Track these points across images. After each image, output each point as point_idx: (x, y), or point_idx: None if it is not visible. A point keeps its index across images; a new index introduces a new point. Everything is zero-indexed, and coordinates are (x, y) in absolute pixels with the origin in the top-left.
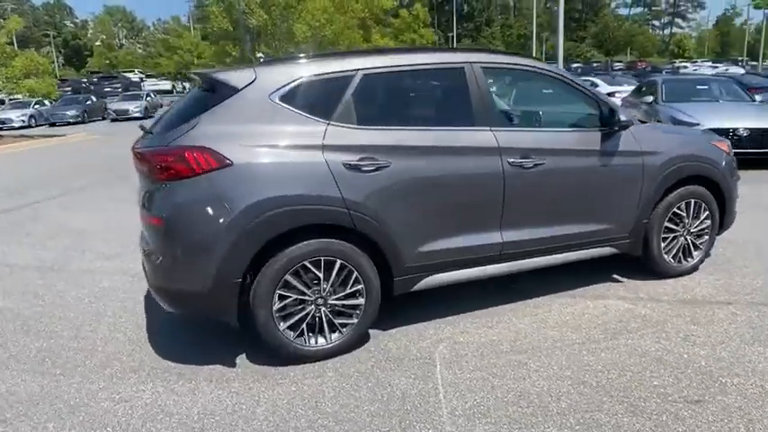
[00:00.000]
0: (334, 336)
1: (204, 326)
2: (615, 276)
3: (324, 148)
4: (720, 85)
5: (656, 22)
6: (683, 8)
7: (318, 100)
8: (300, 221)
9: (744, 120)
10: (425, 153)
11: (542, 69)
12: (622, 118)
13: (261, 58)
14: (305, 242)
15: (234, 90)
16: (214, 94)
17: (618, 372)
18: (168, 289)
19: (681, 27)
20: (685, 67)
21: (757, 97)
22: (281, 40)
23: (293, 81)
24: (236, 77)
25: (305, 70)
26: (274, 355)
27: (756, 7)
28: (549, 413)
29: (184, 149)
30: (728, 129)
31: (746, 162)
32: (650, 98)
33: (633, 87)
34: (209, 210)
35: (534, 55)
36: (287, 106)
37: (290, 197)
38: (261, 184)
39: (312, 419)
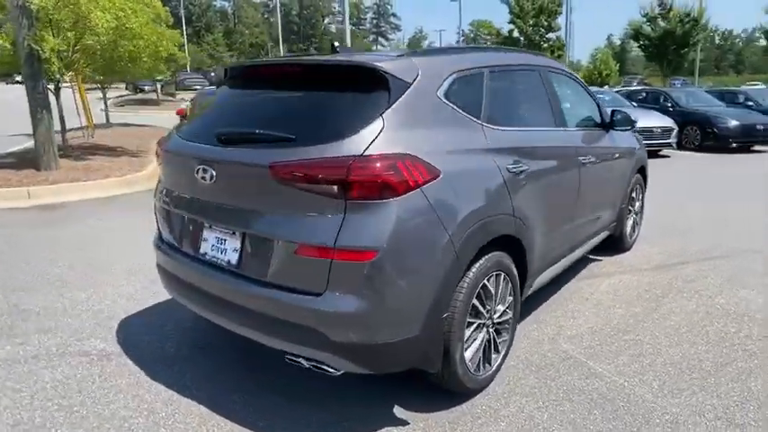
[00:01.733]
0: (494, 357)
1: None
2: (590, 256)
3: (489, 152)
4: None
5: (365, 41)
6: (383, 28)
7: (468, 98)
8: (490, 235)
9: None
10: (545, 154)
11: (567, 73)
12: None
13: None
14: (486, 257)
15: (405, 85)
16: (374, 87)
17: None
18: (369, 344)
19: (383, 45)
20: None
21: None
22: (77, 30)
23: (450, 76)
24: (401, 69)
25: (453, 64)
26: (452, 392)
27: (488, 34)
28: None
29: (394, 159)
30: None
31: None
32: None
33: None
34: (428, 233)
35: None
36: (451, 105)
37: (483, 208)
38: (462, 196)
39: None
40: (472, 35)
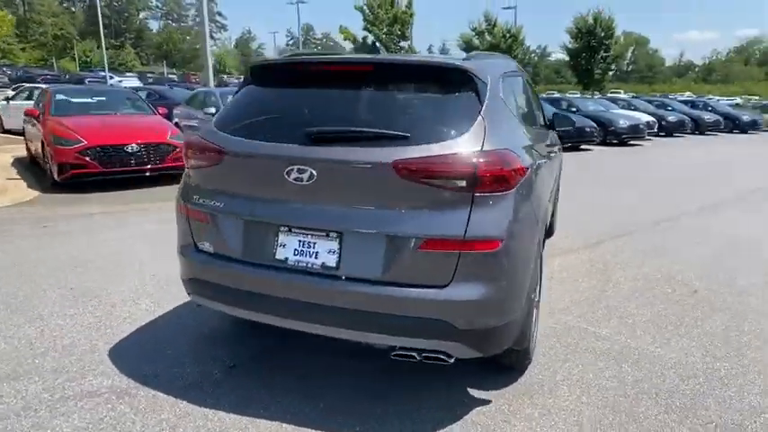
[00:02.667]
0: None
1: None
2: None
3: (530, 147)
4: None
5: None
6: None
7: (509, 99)
8: (547, 219)
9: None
10: (542, 151)
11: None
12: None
13: None
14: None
15: (485, 86)
16: (464, 88)
17: None
18: (488, 329)
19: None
20: None
21: None
22: None
23: (502, 78)
24: (481, 70)
25: (499, 68)
26: (507, 369)
27: (345, 39)
28: None
29: (506, 154)
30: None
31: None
32: (212, 109)
33: None
34: (529, 220)
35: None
36: (507, 105)
37: (547, 197)
38: (540, 187)
39: None
40: (303, 38)
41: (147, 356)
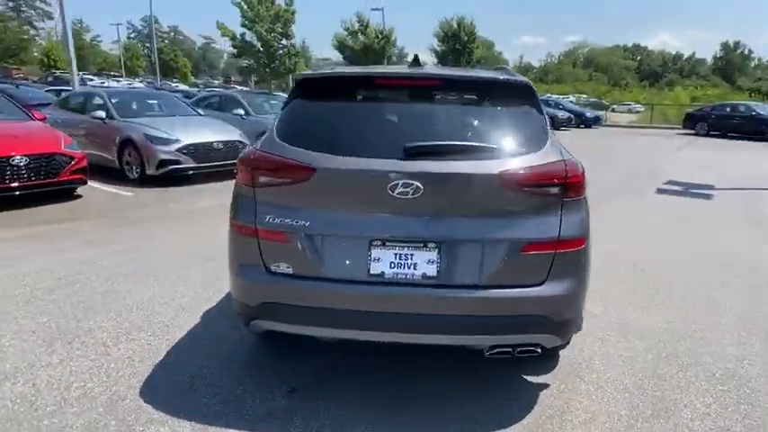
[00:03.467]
0: None
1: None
2: None
3: None
4: (164, 99)
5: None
6: (27, 14)
7: None
8: None
9: (215, 134)
10: None
11: None
12: None
13: None
14: None
15: (538, 98)
16: (525, 101)
17: None
18: (572, 318)
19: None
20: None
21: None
22: None
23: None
24: (532, 85)
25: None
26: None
27: (224, 35)
28: None
29: (578, 163)
30: (207, 143)
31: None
32: (102, 113)
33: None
34: (588, 218)
35: None
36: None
37: None
38: None
39: None
40: (146, 31)
41: (189, 395)
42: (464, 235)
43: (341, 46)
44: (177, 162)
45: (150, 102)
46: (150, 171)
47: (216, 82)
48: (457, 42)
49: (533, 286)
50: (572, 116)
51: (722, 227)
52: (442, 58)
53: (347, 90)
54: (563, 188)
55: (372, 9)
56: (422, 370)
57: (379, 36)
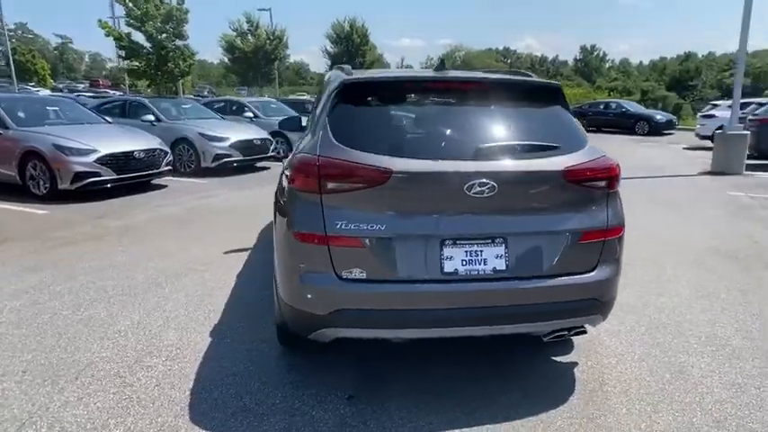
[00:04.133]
0: None
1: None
2: None
3: None
4: (66, 105)
5: None
6: None
7: None
8: None
9: (134, 143)
10: None
11: None
12: None
13: None
14: None
15: (563, 97)
16: (561, 103)
17: None
18: (614, 298)
19: None
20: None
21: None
22: None
23: None
24: (558, 85)
25: None
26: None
27: (108, 35)
28: None
29: (612, 158)
30: (127, 152)
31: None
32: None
33: None
34: None
35: None
36: None
37: None
38: None
39: None
40: None
41: (249, 416)
42: (529, 228)
43: (230, 47)
44: (96, 174)
45: (50, 108)
46: (64, 186)
47: (80, 86)
48: (350, 44)
49: (587, 272)
50: None
51: (638, 208)
52: (336, 61)
53: (399, 93)
54: (608, 181)
55: (259, 9)
56: (458, 365)
57: (271, 37)
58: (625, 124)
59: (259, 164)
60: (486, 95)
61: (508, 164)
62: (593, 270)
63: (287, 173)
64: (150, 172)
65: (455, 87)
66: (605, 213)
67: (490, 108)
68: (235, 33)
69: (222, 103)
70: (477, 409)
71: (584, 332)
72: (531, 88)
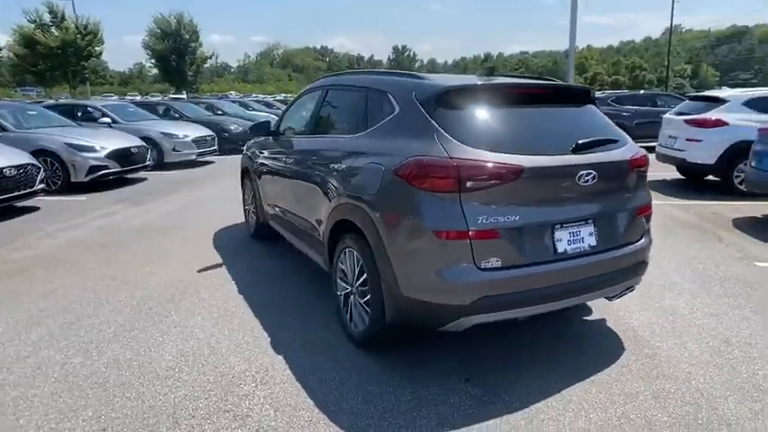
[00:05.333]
0: None
1: None
2: None
3: None
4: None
5: None
6: None
7: None
8: None
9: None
10: None
11: None
12: None
13: None
14: None
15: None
16: (591, 103)
17: None
18: (647, 260)
19: None
20: None
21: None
22: None
23: None
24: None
25: None
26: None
27: None
28: None
29: None
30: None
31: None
32: None
33: None
34: None
35: None
36: None
37: None
38: None
39: None
40: None
41: (391, 413)
42: (609, 209)
43: (29, 42)
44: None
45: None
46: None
47: None
48: (179, 41)
49: (639, 240)
50: None
51: None
52: (163, 59)
53: (493, 97)
54: (647, 167)
55: None
56: (536, 340)
57: (83, 31)
58: None
59: (130, 175)
60: (558, 98)
61: (601, 156)
62: (642, 238)
63: (402, 175)
64: (21, 192)
65: (536, 92)
66: (645, 192)
67: (564, 109)
68: (34, 25)
69: (65, 108)
70: (562, 373)
71: (633, 290)
72: (582, 91)
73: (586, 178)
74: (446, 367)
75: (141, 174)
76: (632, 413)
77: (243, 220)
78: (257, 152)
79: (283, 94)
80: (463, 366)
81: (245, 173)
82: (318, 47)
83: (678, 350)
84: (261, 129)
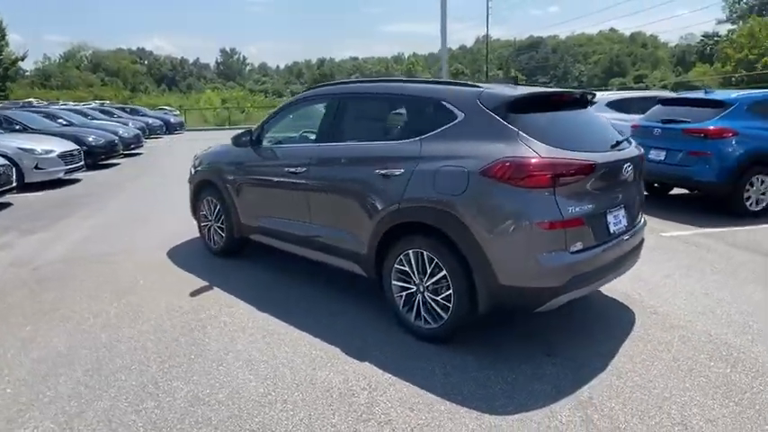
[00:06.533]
0: None
1: None
2: None
3: None
4: None
5: None
6: None
7: None
8: None
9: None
10: None
11: None
12: None
13: None
14: None
15: None
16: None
17: None
18: None
19: None
20: None
21: None
22: None
23: None
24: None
25: None
26: None
27: None
28: None
29: None
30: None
31: None
32: None
33: None
34: None
35: None
36: None
37: None
38: None
39: None
40: None
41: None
42: (631, 195)
43: None
44: None
45: None
46: None
47: None
48: None
49: (642, 219)
50: (162, 123)
51: None
52: None
53: (548, 104)
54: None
55: None
56: (559, 321)
57: None
58: None
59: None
60: (582, 103)
61: (630, 151)
62: (642, 218)
63: (493, 175)
64: None
65: (571, 99)
66: (642, 182)
67: (584, 111)
68: None
69: None
70: (610, 335)
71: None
72: (591, 96)
73: (627, 170)
74: (526, 348)
75: (6, 198)
76: (680, 356)
77: (184, 239)
78: (229, 165)
79: (97, 102)
80: (537, 345)
81: (202, 188)
82: (134, 48)
83: (667, 306)
84: (241, 138)
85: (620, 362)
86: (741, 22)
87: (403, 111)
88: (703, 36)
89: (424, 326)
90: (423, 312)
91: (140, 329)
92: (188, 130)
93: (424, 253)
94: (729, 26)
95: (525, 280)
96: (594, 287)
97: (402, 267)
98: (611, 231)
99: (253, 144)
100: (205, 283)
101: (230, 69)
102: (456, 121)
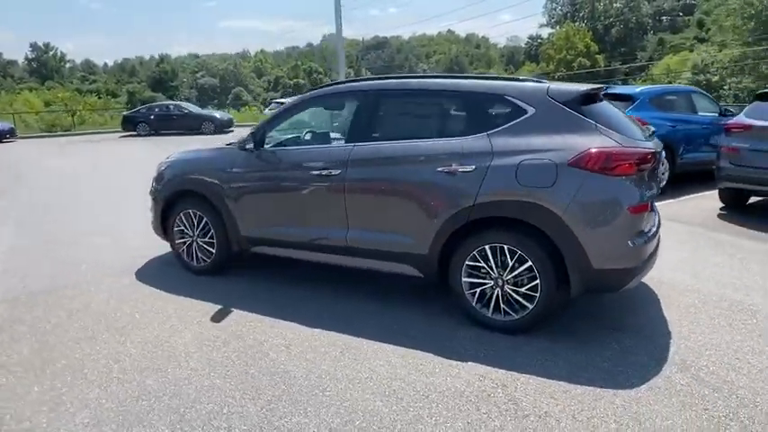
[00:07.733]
0: None
1: None
2: None
3: None
4: None
5: None
6: None
7: None
8: None
9: None
10: None
11: None
12: None
13: None
14: None
15: None
16: None
17: None
18: None
19: None
20: None
21: None
22: None
23: None
24: None
25: None
26: None
27: None
28: None
29: None
30: None
31: None
32: None
33: None
34: None
35: None
36: None
37: None
38: None
39: None
40: None
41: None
42: (654, 180)
43: None
44: None
45: None
46: None
47: None
48: None
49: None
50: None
51: None
52: None
53: (597, 98)
54: None
55: None
56: (599, 304)
57: None
58: (192, 125)
59: None
60: (611, 97)
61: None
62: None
63: (584, 166)
64: None
65: (604, 93)
66: None
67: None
68: None
69: None
70: (655, 308)
71: None
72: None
73: (661, 158)
74: (594, 328)
75: None
76: (718, 317)
77: (144, 261)
78: (221, 171)
79: None
80: (600, 324)
81: (176, 201)
82: None
83: (675, 275)
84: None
85: (680, 328)
86: (558, 27)
87: (461, 106)
88: (529, 38)
89: (504, 318)
90: (502, 305)
91: (192, 368)
92: (22, 137)
93: (504, 247)
94: (549, 30)
95: (618, 262)
96: (649, 271)
97: (475, 263)
98: (657, 217)
99: (257, 147)
100: (218, 306)
101: (45, 67)
102: (527, 115)
